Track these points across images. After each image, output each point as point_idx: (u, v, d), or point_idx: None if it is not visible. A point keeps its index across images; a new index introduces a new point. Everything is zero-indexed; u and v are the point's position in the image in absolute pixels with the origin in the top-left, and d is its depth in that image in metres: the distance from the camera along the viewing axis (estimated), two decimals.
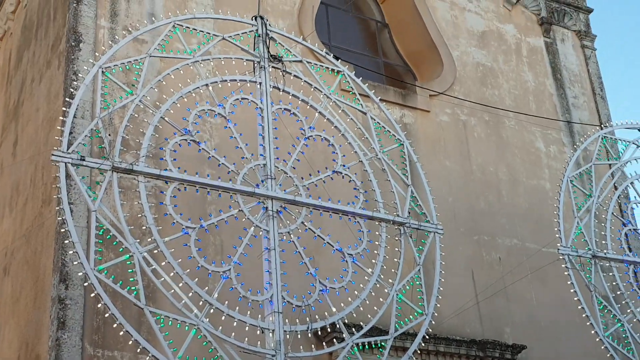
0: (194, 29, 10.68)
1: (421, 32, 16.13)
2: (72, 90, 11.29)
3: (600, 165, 12.82)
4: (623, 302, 11.46)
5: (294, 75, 10.95)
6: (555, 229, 11.46)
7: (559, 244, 11.29)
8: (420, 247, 10.61)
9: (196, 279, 9.08)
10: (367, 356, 9.96)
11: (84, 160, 9.06)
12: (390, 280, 10.18)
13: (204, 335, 8.80)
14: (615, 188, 12.65)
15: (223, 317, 9.08)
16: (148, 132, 9.60)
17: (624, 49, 40.67)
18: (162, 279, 8.85)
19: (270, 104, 10.45)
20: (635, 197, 12.59)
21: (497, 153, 15.62)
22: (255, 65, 10.72)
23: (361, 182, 10.72)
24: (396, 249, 10.46)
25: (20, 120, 14.27)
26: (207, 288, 9.29)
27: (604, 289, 11.38)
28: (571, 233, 11.44)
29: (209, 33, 10.80)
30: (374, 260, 10.19)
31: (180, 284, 8.93)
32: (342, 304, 9.80)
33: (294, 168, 10.25)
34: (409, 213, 10.74)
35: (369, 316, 9.97)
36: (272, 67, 10.77)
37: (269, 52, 10.80)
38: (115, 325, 8.62)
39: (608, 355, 10.91)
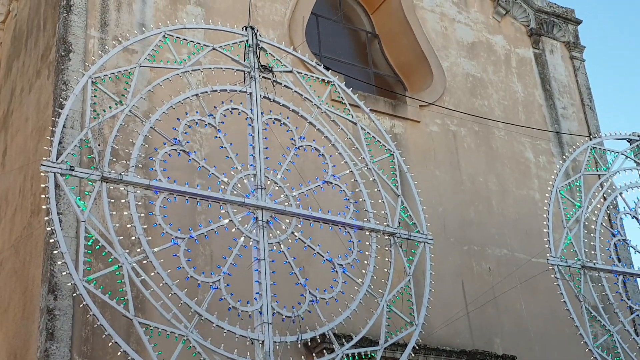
0: (184, 39, 10.69)
1: (411, 43, 16.18)
2: (61, 100, 11.27)
3: (589, 175, 12.86)
4: (612, 312, 11.49)
5: (285, 86, 10.97)
6: (545, 239, 11.49)
7: (548, 254, 11.32)
8: (411, 257, 10.62)
9: (185, 290, 9.06)
10: None
11: (73, 170, 9.04)
12: (380, 291, 10.18)
13: (193, 346, 8.77)
14: (604, 198, 12.69)
15: (212, 328, 9.05)
16: (138, 142, 9.59)
17: (613, 60, 40.93)
18: (151, 289, 8.82)
19: (261, 114, 10.45)
20: (624, 207, 12.64)
21: (486, 163, 15.66)
22: (246, 75, 10.73)
23: (351, 192, 10.73)
24: (386, 259, 10.47)
25: (9, 130, 14.23)
26: (196, 299, 9.26)
27: (593, 300, 11.40)
28: (560, 243, 11.46)
29: (199, 43, 10.81)
30: (364, 271, 10.19)
31: (170, 295, 8.91)
32: (332, 315, 9.78)
33: (284, 178, 10.25)
34: (399, 223, 10.75)
35: (359, 327, 9.96)
36: (263, 77, 10.78)
37: (259, 62, 10.81)
38: (104, 336, 8.58)
39: None
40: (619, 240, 12.32)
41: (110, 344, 8.61)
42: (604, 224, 12.18)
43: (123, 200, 9.49)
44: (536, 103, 17.09)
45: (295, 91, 11.01)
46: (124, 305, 8.62)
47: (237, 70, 10.78)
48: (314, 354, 10.43)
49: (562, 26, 18.37)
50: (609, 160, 13.04)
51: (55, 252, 8.92)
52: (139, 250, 9.13)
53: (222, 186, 9.78)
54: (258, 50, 10.88)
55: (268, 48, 11.10)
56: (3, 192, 13.64)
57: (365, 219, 10.53)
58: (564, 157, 13.74)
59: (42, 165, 8.93)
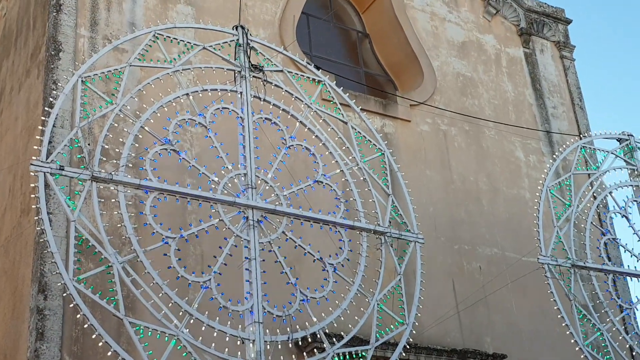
0: (174, 38, 10.68)
1: (402, 43, 16.19)
2: (51, 99, 11.21)
3: (580, 174, 12.90)
4: (602, 311, 11.53)
5: (275, 85, 10.96)
6: (535, 238, 11.52)
7: (538, 253, 11.35)
8: (401, 256, 10.64)
9: (176, 289, 9.05)
10: None
11: (63, 169, 9.01)
12: (371, 290, 10.19)
13: (184, 346, 8.76)
14: (594, 198, 12.74)
15: (203, 328, 9.04)
16: (128, 142, 9.57)
17: (603, 60, 41.08)
18: (142, 289, 8.81)
19: (251, 114, 10.45)
20: (614, 206, 12.68)
21: (477, 162, 15.69)
22: (236, 74, 10.72)
23: (342, 192, 10.73)
24: (377, 258, 10.48)
25: None
26: (187, 298, 9.25)
27: (583, 298, 11.44)
28: (551, 242, 11.50)
29: (190, 42, 10.80)
30: (354, 270, 10.20)
31: (160, 294, 8.90)
32: (322, 314, 9.79)
33: (275, 178, 10.25)
34: (390, 222, 10.76)
35: (350, 326, 9.97)
36: (253, 76, 10.78)
37: (249, 61, 10.80)
38: (94, 336, 8.56)
39: None
40: (609, 239, 12.37)
41: (101, 343, 8.60)
42: (594, 223, 12.23)
43: (113, 200, 9.47)
44: (526, 102, 17.13)
45: (285, 90, 11.01)
46: (114, 305, 8.61)
47: (227, 69, 10.77)
48: (304, 353, 10.44)
49: (552, 26, 18.43)
50: (599, 160, 13.09)
51: (45, 251, 8.90)
52: (129, 249, 9.13)
53: (213, 185, 9.77)
54: (248, 50, 10.87)
55: (258, 47, 11.10)
56: None
57: (355, 219, 10.54)
58: (554, 156, 13.78)
59: (31, 164, 8.91)
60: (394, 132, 14.96)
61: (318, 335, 9.85)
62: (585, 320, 11.27)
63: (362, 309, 10.11)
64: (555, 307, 11.01)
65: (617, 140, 13.22)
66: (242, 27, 11.03)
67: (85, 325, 8.62)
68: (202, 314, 8.99)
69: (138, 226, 9.37)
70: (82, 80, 9.69)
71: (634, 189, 12.76)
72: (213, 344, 8.90)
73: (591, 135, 13.87)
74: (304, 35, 15.51)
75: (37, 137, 9.33)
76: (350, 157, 11.09)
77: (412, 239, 10.80)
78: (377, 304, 10.12)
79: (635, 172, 12.88)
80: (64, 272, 8.52)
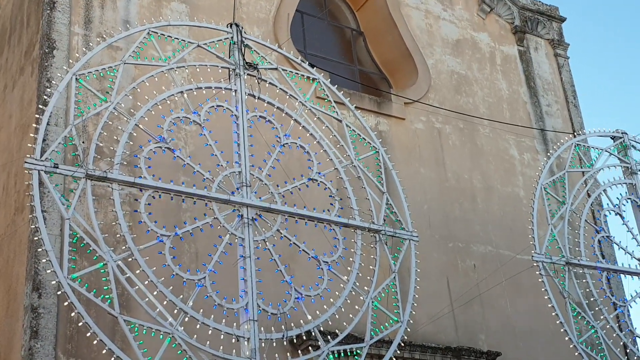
0: (168, 36, 10.65)
1: (396, 40, 16.20)
2: (45, 97, 11.19)
3: (574, 172, 12.92)
4: (596, 308, 11.55)
5: (270, 83, 10.95)
6: (529, 236, 11.53)
7: (533, 251, 11.36)
8: (396, 254, 10.64)
9: (171, 287, 9.04)
10: None
11: (57, 167, 8.99)
12: (365, 288, 10.19)
13: (179, 344, 8.76)
14: (589, 195, 12.77)
15: (198, 326, 9.04)
16: (122, 140, 9.55)
17: (597, 57, 41.15)
18: (137, 287, 8.80)
19: (246, 112, 10.44)
20: (608, 204, 12.71)
21: (471, 160, 15.71)
22: (231, 72, 10.71)
23: (336, 190, 10.73)
24: (372, 256, 10.48)
25: None
26: (182, 296, 9.24)
27: (577, 296, 11.46)
28: (545, 240, 11.51)
29: (184, 40, 10.78)
30: (349, 268, 10.20)
31: (155, 292, 8.89)
32: (317, 312, 9.79)
33: (270, 176, 10.24)
34: (385, 220, 10.76)
35: (345, 324, 9.97)
36: (248, 74, 10.76)
37: (244, 59, 10.79)
38: (89, 334, 8.55)
39: None
40: (603, 236, 12.39)
41: (95, 342, 8.58)
42: (588, 221, 12.25)
43: (108, 198, 9.46)
44: (521, 100, 17.15)
45: (280, 88, 11.00)
46: (109, 303, 8.59)
47: (222, 67, 10.76)
48: (299, 351, 10.46)
49: (547, 24, 18.45)
50: (593, 157, 13.10)
51: (39, 249, 8.87)
52: (124, 247, 9.11)
53: (207, 183, 9.76)
54: (243, 48, 10.86)
55: (253, 45, 11.08)
56: None
57: (350, 216, 10.54)
58: (549, 154, 13.80)
59: (26, 162, 8.88)
60: (389, 130, 14.97)
61: (313, 333, 9.85)
62: (580, 317, 11.29)
63: (356, 306, 10.11)
64: (549, 305, 11.03)
65: (611, 138, 13.24)
66: (237, 25, 11.01)
67: (80, 324, 8.60)
68: (197, 312, 8.99)
69: (133, 224, 9.38)
70: (76, 78, 9.66)
71: (628, 186, 12.79)
72: (208, 342, 8.89)
73: (585, 133, 13.89)
74: (299, 33, 15.51)
75: (31, 135, 9.31)
76: (344, 155, 11.09)
77: (407, 236, 10.80)
78: (372, 302, 10.12)
79: (629, 170, 12.91)
80: (58, 270, 8.51)
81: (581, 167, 13.11)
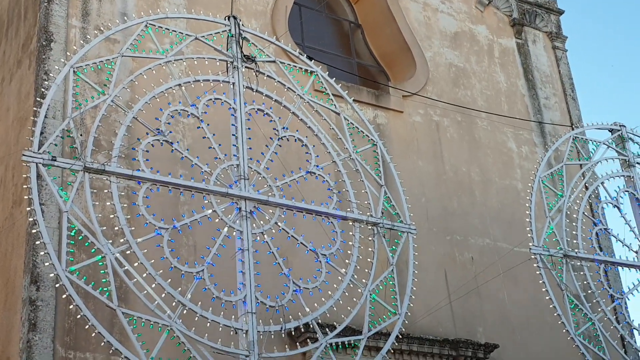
0: (166, 28, 10.63)
1: (394, 33, 16.18)
2: (43, 90, 11.19)
3: (572, 165, 12.93)
4: (594, 300, 11.58)
5: (267, 76, 10.93)
6: (527, 228, 11.54)
7: (530, 244, 11.37)
8: (394, 247, 10.64)
9: (169, 280, 9.05)
10: (341, 356, 9.97)
11: (55, 160, 8.98)
12: (363, 280, 10.20)
13: (177, 336, 8.76)
14: (586, 188, 12.77)
15: (196, 318, 9.05)
16: (120, 133, 9.54)
17: (595, 50, 41.13)
18: (135, 279, 8.80)
19: (244, 104, 10.42)
20: (605, 197, 12.71)
21: (469, 153, 15.72)
22: (228, 65, 10.69)
23: (334, 183, 10.73)
24: (369, 249, 10.49)
25: None
26: (180, 289, 9.25)
27: (575, 288, 11.48)
28: (543, 233, 11.52)
29: (182, 33, 10.75)
30: (347, 261, 10.21)
31: (153, 285, 8.89)
32: (315, 304, 9.80)
33: (268, 168, 10.24)
34: (382, 213, 10.76)
35: (343, 316, 9.98)
36: (245, 67, 10.75)
37: (242, 52, 10.77)
38: (87, 327, 8.56)
39: (579, 353, 11.01)
40: (600, 229, 12.40)
41: (94, 334, 8.59)
42: (585, 214, 12.26)
43: (106, 191, 9.45)
44: (519, 93, 17.16)
45: (278, 81, 10.99)
46: (107, 296, 8.59)
47: (219, 60, 10.74)
48: (297, 344, 10.47)
49: (545, 16, 18.44)
50: (591, 150, 13.11)
51: (37, 242, 8.86)
52: (122, 240, 9.10)
53: (205, 176, 9.76)
54: (241, 40, 10.83)
55: (251, 38, 11.06)
56: None
57: (348, 209, 10.54)
58: (547, 147, 13.83)
59: (23, 155, 8.87)
60: (387, 123, 14.97)
61: (311, 326, 9.86)
62: (577, 310, 11.31)
63: (354, 299, 10.12)
64: (547, 297, 11.05)
65: (609, 130, 13.24)
66: (234, 18, 10.99)
67: (78, 316, 8.60)
68: (195, 304, 8.99)
69: (131, 217, 9.36)
70: (73, 71, 9.64)
71: (626, 179, 12.80)
72: (206, 335, 8.90)
73: (583, 126, 13.90)
74: (296, 26, 15.49)
75: (29, 127, 9.31)
76: (342, 148, 11.08)
77: (405, 229, 10.81)
78: (370, 295, 10.13)
79: (627, 162, 12.92)
80: (56, 262, 8.51)
81: (579, 160, 13.13)
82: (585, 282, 11.60)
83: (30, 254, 10.83)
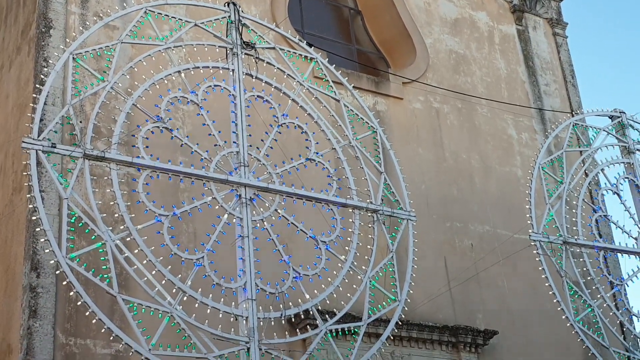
0: (165, 15, 10.60)
1: (394, 20, 16.14)
2: (42, 76, 11.14)
3: (571, 152, 12.93)
4: (593, 287, 11.59)
5: (267, 62, 10.91)
6: (527, 215, 11.55)
7: (530, 231, 11.38)
8: (394, 234, 10.65)
9: (169, 267, 9.05)
10: (341, 342, 10.00)
11: (55, 147, 8.97)
12: (363, 267, 10.21)
13: (178, 323, 8.78)
14: (586, 175, 12.77)
15: (196, 305, 9.06)
16: (120, 119, 9.53)
17: (595, 37, 41.03)
18: (135, 266, 8.81)
19: (243, 91, 10.40)
20: (605, 183, 12.72)
21: (469, 140, 15.71)
22: (228, 52, 10.66)
23: (334, 170, 10.72)
24: (369, 236, 10.49)
25: None
26: (180, 276, 9.26)
27: (574, 275, 11.50)
28: (542, 219, 11.53)
29: (181, 19, 10.72)
30: (347, 248, 10.22)
31: (154, 272, 8.90)
32: (315, 291, 9.82)
33: (267, 155, 10.23)
34: (382, 200, 10.77)
35: (343, 303, 10.00)
36: (245, 53, 10.72)
37: (241, 38, 10.74)
38: (87, 314, 8.57)
39: (578, 340, 11.04)
40: (600, 216, 12.42)
41: (94, 321, 8.60)
42: (585, 200, 12.27)
43: (106, 178, 9.46)
44: (519, 80, 17.13)
45: (277, 68, 10.96)
46: (107, 283, 8.60)
47: (219, 46, 10.71)
48: (297, 330, 10.48)
49: (545, 3, 18.38)
50: (591, 137, 13.10)
51: (37, 229, 8.88)
52: (122, 227, 9.10)
53: (205, 163, 9.75)
54: (240, 27, 10.80)
55: (250, 24, 11.02)
56: None
57: (348, 196, 10.54)
58: (547, 133, 13.81)
59: (23, 142, 8.86)
60: (387, 110, 14.95)
61: (311, 312, 9.89)
62: (577, 296, 11.33)
63: (354, 286, 10.14)
64: (546, 284, 11.07)
65: (609, 117, 13.23)
66: (234, 4, 10.95)
67: (79, 303, 8.62)
68: (195, 291, 9.01)
69: (131, 204, 9.37)
70: (73, 57, 9.62)
71: (626, 166, 12.80)
72: (206, 321, 8.92)
73: (583, 113, 13.88)
74: (296, 12, 15.44)
75: (29, 114, 9.31)
76: (342, 135, 11.07)
77: (404, 216, 10.81)
78: (370, 281, 10.15)
79: (627, 149, 12.92)
80: (56, 249, 8.51)
81: (579, 147, 13.11)
82: (584, 269, 11.62)
83: (31, 241, 10.84)
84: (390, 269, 10.37)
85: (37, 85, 10.23)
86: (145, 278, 8.81)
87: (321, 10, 16.16)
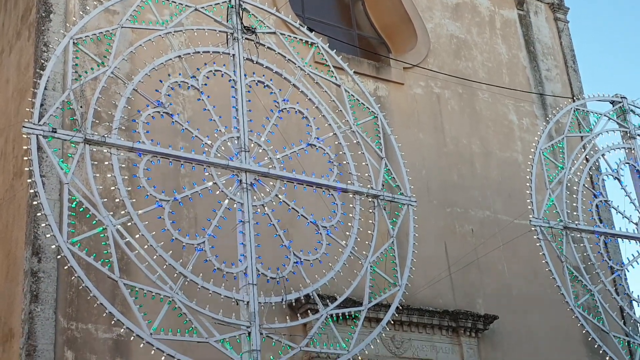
0: None
1: (395, 4, 16.09)
2: (42, 61, 11.15)
3: (572, 137, 12.92)
4: (594, 272, 11.62)
5: (268, 47, 10.88)
6: (528, 200, 11.56)
7: (531, 216, 11.39)
8: (394, 219, 10.66)
9: (170, 252, 9.06)
10: (341, 327, 10.04)
11: (55, 132, 8.96)
12: (364, 252, 10.23)
13: (179, 307, 8.80)
14: (587, 160, 12.77)
15: (198, 289, 9.08)
16: (120, 104, 9.51)
17: (597, 22, 40.90)
18: (136, 251, 8.82)
19: (244, 76, 10.38)
20: (606, 169, 12.72)
21: (470, 125, 15.69)
22: (229, 36, 10.63)
23: (335, 155, 10.72)
24: (370, 221, 10.51)
25: None
26: (181, 260, 9.28)
27: (575, 260, 11.52)
28: (543, 205, 11.54)
29: (182, 4, 10.67)
30: (348, 233, 10.23)
31: (155, 257, 8.91)
32: (316, 276, 9.84)
33: (268, 141, 10.22)
34: (383, 185, 10.77)
35: (343, 288, 10.02)
36: (246, 38, 10.69)
37: (242, 23, 10.70)
38: (89, 298, 8.59)
39: (578, 324, 11.08)
40: (600, 201, 12.42)
41: (96, 305, 8.62)
42: (586, 186, 12.26)
43: (106, 163, 9.45)
44: (520, 65, 17.09)
45: (278, 53, 10.94)
46: (108, 267, 8.62)
47: (219, 31, 10.68)
48: (298, 315, 10.51)
49: None
50: (592, 122, 13.09)
51: (38, 214, 8.88)
52: (123, 212, 9.11)
53: (206, 149, 9.74)
54: (241, 11, 10.76)
55: (251, 9, 10.98)
56: None
57: (349, 182, 10.55)
58: (548, 119, 13.79)
59: (24, 127, 8.84)
60: (387, 95, 14.93)
61: (311, 297, 9.91)
62: (577, 281, 11.36)
63: (355, 271, 10.16)
64: (546, 269, 11.09)
65: (610, 102, 13.21)
66: None
67: (80, 287, 8.64)
68: (196, 276, 9.03)
69: (131, 189, 9.37)
70: (73, 42, 9.59)
71: (626, 151, 12.80)
72: (207, 306, 8.94)
73: (584, 98, 13.86)
74: None
75: (29, 99, 9.28)
76: (343, 121, 11.06)
77: (405, 201, 10.82)
78: (370, 266, 10.16)
79: (628, 134, 12.91)
80: (57, 234, 8.52)
81: (580, 132, 13.10)
82: (585, 254, 11.64)
83: (32, 225, 10.85)
84: (391, 254, 10.39)
85: (38, 70, 10.23)
86: (147, 263, 8.82)
87: None
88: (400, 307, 10.42)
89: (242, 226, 9.47)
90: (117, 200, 9.26)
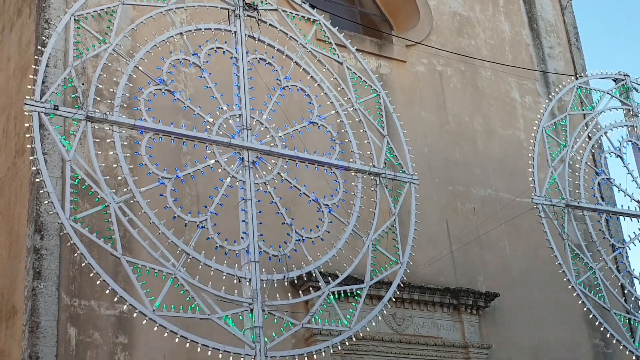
0: None
1: None
2: (44, 38, 11.10)
3: (575, 115, 12.90)
4: (595, 250, 11.64)
5: (270, 24, 10.84)
6: (530, 178, 11.56)
7: (533, 194, 11.40)
8: (396, 197, 10.68)
9: (172, 229, 9.09)
10: (343, 304, 10.08)
11: (57, 109, 8.95)
12: (366, 230, 10.25)
13: (181, 285, 8.84)
14: (589, 138, 12.75)
15: (200, 267, 9.12)
16: (122, 82, 9.49)
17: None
18: (139, 229, 8.84)
19: (246, 54, 10.35)
20: (608, 146, 12.71)
21: (472, 103, 15.65)
22: (230, 13, 10.59)
23: (337, 133, 10.72)
24: (372, 199, 10.52)
25: None
26: (183, 238, 9.30)
27: (576, 238, 11.55)
28: (545, 183, 11.54)
29: None
30: (349, 211, 10.25)
31: (157, 234, 8.94)
32: (318, 254, 9.87)
33: (270, 119, 10.21)
34: (385, 163, 10.77)
35: (345, 265, 10.06)
36: (248, 15, 10.64)
37: (244, 0, 10.66)
38: (91, 275, 8.62)
39: (579, 302, 11.11)
40: (603, 179, 12.42)
41: (98, 282, 8.66)
42: (588, 163, 12.26)
43: (108, 140, 9.45)
44: (523, 42, 17.01)
45: (280, 30, 10.89)
46: (111, 245, 8.64)
47: (221, 8, 10.64)
48: (300, 292, 10.56)
49: None
50: (595, 100, 13.06)
51: (41, 191, 8.88)
52: (125, 190, 9.13)
53: (208, 126, 9.74)
54: None
55: None
56: None
57: (351, 160, 10.55)
58: (550, 96, 13.75)
59: (25, 104, 8.84)
60: (390, 73, 14.88)
61: (313, 274, 9.94)
62: (578, 259, 11.39)
63: (357, 248, 10.19)
64: (548, 247, 11.11)
65: (613, 80, 13.18)
66: None
67: (83, 264, 8.67)
68: (198, 253, 9.06)
69: (134, 167, 9.37)
70: (75, 19, 9.56)
71: (629, 129, 12.78)
72: (210, 283, 8.98)
73: (587, 76, 13.82)
74: None
75: (31, 76, 9.25)
76: (345, 98, 11.04)
77: (407, 179, 10.82)
78: (372, 244, 10.19)
79: (631, 112, 12.88)
80: (60, 211, 8.54)
81: (582, 110, 13.07)
82: (586, 232, 11.65)
83: (34, 203, 10.87)
84: (393, 232, 10.42)
85: (39, 47, 10.18)
86: (149, 240, 8.85)
87: None
88: (402, 285, 10.46)
89: (244, 204, 9.48)
90: (119, 177, 9.27)
